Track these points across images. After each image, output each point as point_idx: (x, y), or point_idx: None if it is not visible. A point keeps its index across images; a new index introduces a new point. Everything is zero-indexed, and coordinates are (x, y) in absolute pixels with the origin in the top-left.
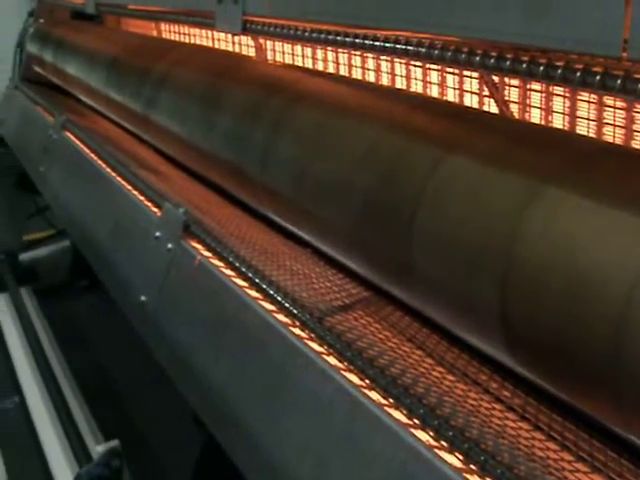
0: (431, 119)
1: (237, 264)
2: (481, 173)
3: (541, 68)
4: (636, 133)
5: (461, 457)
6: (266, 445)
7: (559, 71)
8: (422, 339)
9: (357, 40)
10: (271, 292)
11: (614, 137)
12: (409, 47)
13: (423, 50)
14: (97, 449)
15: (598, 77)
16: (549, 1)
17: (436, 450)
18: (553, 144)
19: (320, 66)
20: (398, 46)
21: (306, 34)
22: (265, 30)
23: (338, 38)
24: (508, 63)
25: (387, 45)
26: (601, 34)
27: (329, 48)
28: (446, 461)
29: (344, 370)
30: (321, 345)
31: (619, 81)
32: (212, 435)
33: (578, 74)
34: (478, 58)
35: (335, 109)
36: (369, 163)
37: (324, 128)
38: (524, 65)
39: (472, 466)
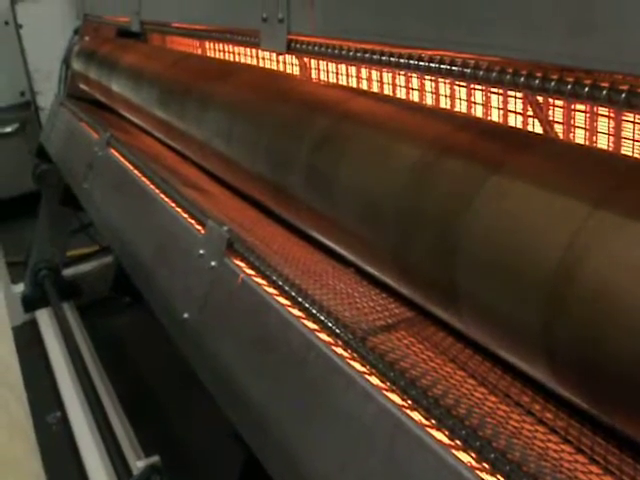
0: (475, 139)
1: (280, 282)
2: (526, 194)
3: (586, 89)
4: None
5: (502, 479)
6: (305, 464)
7: (604, 92)
8: (465, 360)
9: (402, 60)
10: (314, 311)
11: None
12: (454, 67)
13: (468, 71)
14: (138, 464)
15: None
16: (594, 21)
17: (477, 472)
18: (600, 165)
19: (364, 85)
20: (443, 66)
21: (350, 53)
22: (309, 49)
23: (383, 58)
24: (553, 84)
25: (432, 65)
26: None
27: (374, 67)
28: None
29: (386, 390)
30: (363, 365)
31: None
32: (252, 453)
33: (623, 95)
34: (523, 79)
35: (379, 129)
36: (413, 183)
37: (368, 147)
38: (569, 86)
39: None
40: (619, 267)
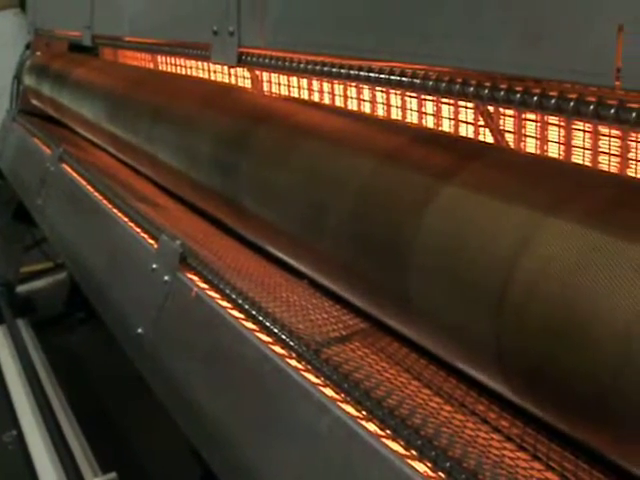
0: (427, 149)
1: (234, 296)
2: (477, 203)
3: (535, 98)
4: (631, 161)
5: None
6: (263, 478)
7: (553, 101)
8: (420, 370)
9: (352, 72)
10: (267, 324)
11: (609, 166)
12: (404, 78)
13: (418, 81)
14: None
15: (592, 107)
16: (543, 31)
17: None
18: (551, 173)
19: (316, 97)
20: (393, 77)
21: (301, 66)
22: (260, 62)
23: (333, 70)
24: (502, 93)
25: (382, 76)
26: (594, 64)
27: (325, 79)
28: None
29: (341, 402)
30: (317, 377)
31: (613, 110)
32: (209, 469)
33: (572, 104)
34: (472, 89)
35: (331, 140)
36: (365, 195)
37: (320, 160)
38: (518, 95)
39: None
40: (569, 276)
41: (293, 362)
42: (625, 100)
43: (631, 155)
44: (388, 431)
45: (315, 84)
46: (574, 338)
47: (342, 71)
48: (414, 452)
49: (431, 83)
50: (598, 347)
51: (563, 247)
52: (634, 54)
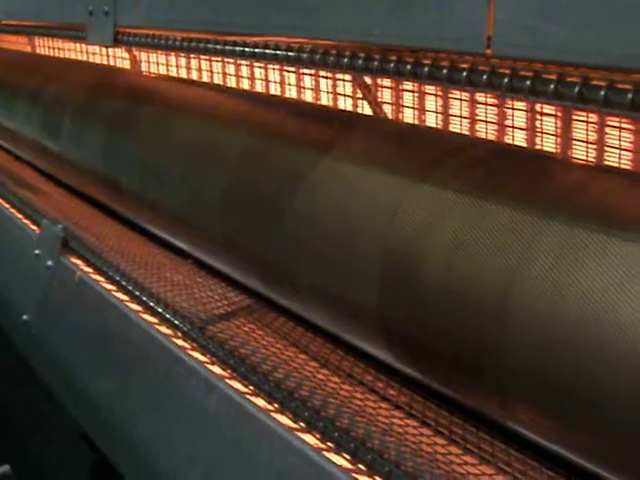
0: (304, 123)
1: (117, 278)
2: (355, 175)
3: (408, 67)
4: (507, 128)
5: (348, 457)
6: (155, 457)
7: (426, 69)
8: (306, 343)
9: (228, 47)
10: (152, 304)
11: (487, 133)
12: (279, 52)
13: (292, 54)
14: None
15: (465, 74)
16: (414, 1)
17: (324, 452)
18: (426, 142)
19: (195, 75)
20: (268, 51)
21: (177, 43)
22: (136, 41)
23: (209, 46)
24: (376, 64)
25: (257, 51)
26: (466, 32)
27: (202, 57)
28: (334, 462)
29: (228, 378)
30: (204, 354)
31: (485, 77)
32: (102, 452)
33: (445, 71)
34: (346, 60)
35: (210, 118)
36: (245, 171)
37: (199, 137)
38: (392, 65)
39: (360, 465)
40: (445, 243)
41: (179, 341)
42: (497, 67)
43: (508, 122)
44: (276, 405)
45: (193, 62)
46: (451, 302)
47: (218, 47)
48: (302, 424)
49: (305, 55)
50: (473, 310)
51: (441, 214)
52: (504, 22)
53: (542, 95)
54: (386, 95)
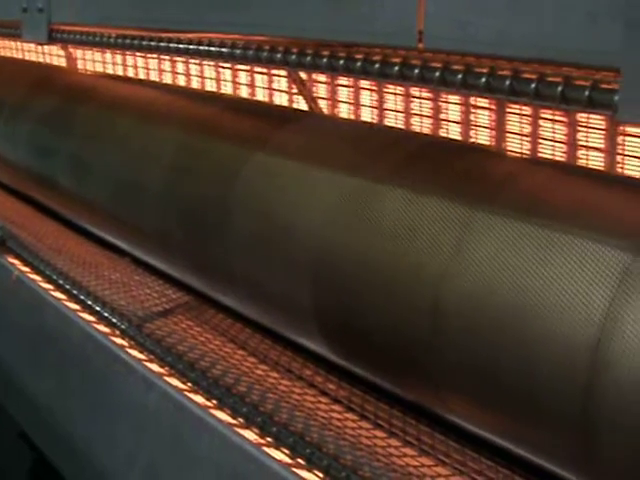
0: (239, 119)
1: (55, 277)
2: (289, 170)
3: (341, 62)
4: (442, 122)
5: (287, 452)
6: (95, 455)
7: (359, 64)
8: (245, 339)
9: (162, 44)
10: (89, 303)
11: (422, 127)
12: (212, 48)
13: (226, 50)
14: None
15: (397, 68)
16: None
17: (263, 447)
18: (362, 137)
19: (131, 72)
20: (202, 48)
21: (112, 40)
22: (71, 38)
23: (143, 43)
24: (309, 59)
25: (191, 47)
26: (397, 26)
27: (138, 54)
28: (273, 457)
29: (166, 375)
30: (142, 352)
31: (417, 71)
32: (42, 452)
33: (377, 66)
34: (279, 55)
35: (145, 115)
36: (181, 167)
37: (135, 135)
38: (325, 60)
39: (299, 460)
40: (378, 237)
41: (117, 339)
42: (429, 61)
43: (442, 116)
44: (214, 401)
45: (130, 59)
46: (384, 295)
47: (152, 44)
48: (241, 420)
49: (239, 51)
50: (406, 303)
51: (375, 207)
52: (435, 16)
53: (474, 88)
54: (321, 90)
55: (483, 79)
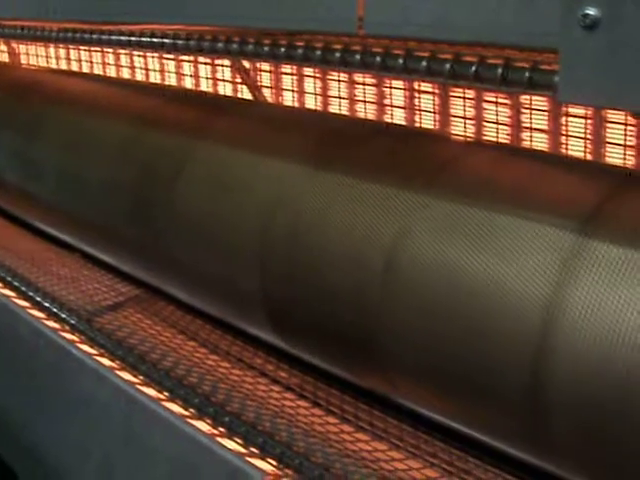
0: (183, 110)
1: (3, 274)
2: (233, 159)
3: (282, 49)
4: (386, 107)
5: (240, 441)
6: (49, 452)
7: (300, 51)
8: (195, 330)
9: (103, 37)
10: (39, 299)
11: (366, 113)
12: (154, 39)
13: (168, 41)
14: None
15: (338, 54)
16: None
17: (216, 437)
18: (306, 125)
19: (75, 66)
20: (143, 39)
21: (54, 34)
22: (12, 33)
23: (85, 36)
24: (251, 47)
25: (132, 39)
26: (338, 13)
27: (82, 48)
28: (226, 447)
29: (117, 369)
30: (92, 346)
31: (358, 57)
32: None
33: (318, 53)
34: (221, 44)
35: (89, 108)
36: (125, 160)
37: (80, 128)
38: (266, 48)
39: (252, 449)
40: (325, 224)
41: (67, 335)
42: (369, 46)
43: (387, 102)
44: (166, 393)
45: (73, 53)
46: (332, 282)
47: (94, 37)
48: (193, 411)
49: (181, 42)
50: (353, 288)
51: (321, 195)
52: (374, 2)
53: (415, 72)
54: (265, 79)
55: (424, 63)
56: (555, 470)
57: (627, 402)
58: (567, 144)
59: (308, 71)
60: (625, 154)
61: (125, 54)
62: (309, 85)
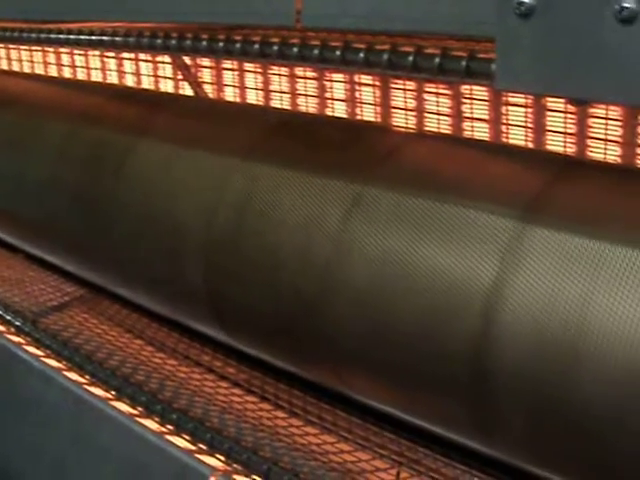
0: (123, 107)
1: None
2: (174, 155)
3: (221, 44)
4: (328, 101)
5: (188, 438)
6: (0, 456)
7: (238, 45)
8: (142, 328)
9: (42, 35)
10: None
11: (307, 106)
12: (93, 37)
13: (107, 38)
14: None
15: (276, 48)
16: None
17: (165, 435)
18: (247, 119)
19: (15, 66)
20: (82, 37)
21: None
22: None
23: (23, 35)
24: (189, 43)
25: (71, 37)
26: (276, 6)
27: (22, 47)
28: (174, 444)
29: (65, 370)
30: (38, 348)
31: (296, 50)
32: None
33: (256, 47)
34: (159, 41)
35: (29, 108)
36: (67, 159)
37: (20, 128)
38: (204, 43)
39: (200, 445)
40: (265, 215)
41: (13, 337)
42: (307, 39)
43: (328, 95)
44: (113, 392)
45: (13, 53)
46: (276, 274)
47: (32, 35)
48: (140, 409)
49: (119, 39)
50: (298, 278)
51: (259, 188)
52: None
53: (353, 64)
54: (206, 75)
55: (361, 54)
56: (502, 456)
57: (568, 386)
58: (508, 133)
59: (249, 66)
60: (565, 141)
61: (66, 53)
62: (250, 80)
